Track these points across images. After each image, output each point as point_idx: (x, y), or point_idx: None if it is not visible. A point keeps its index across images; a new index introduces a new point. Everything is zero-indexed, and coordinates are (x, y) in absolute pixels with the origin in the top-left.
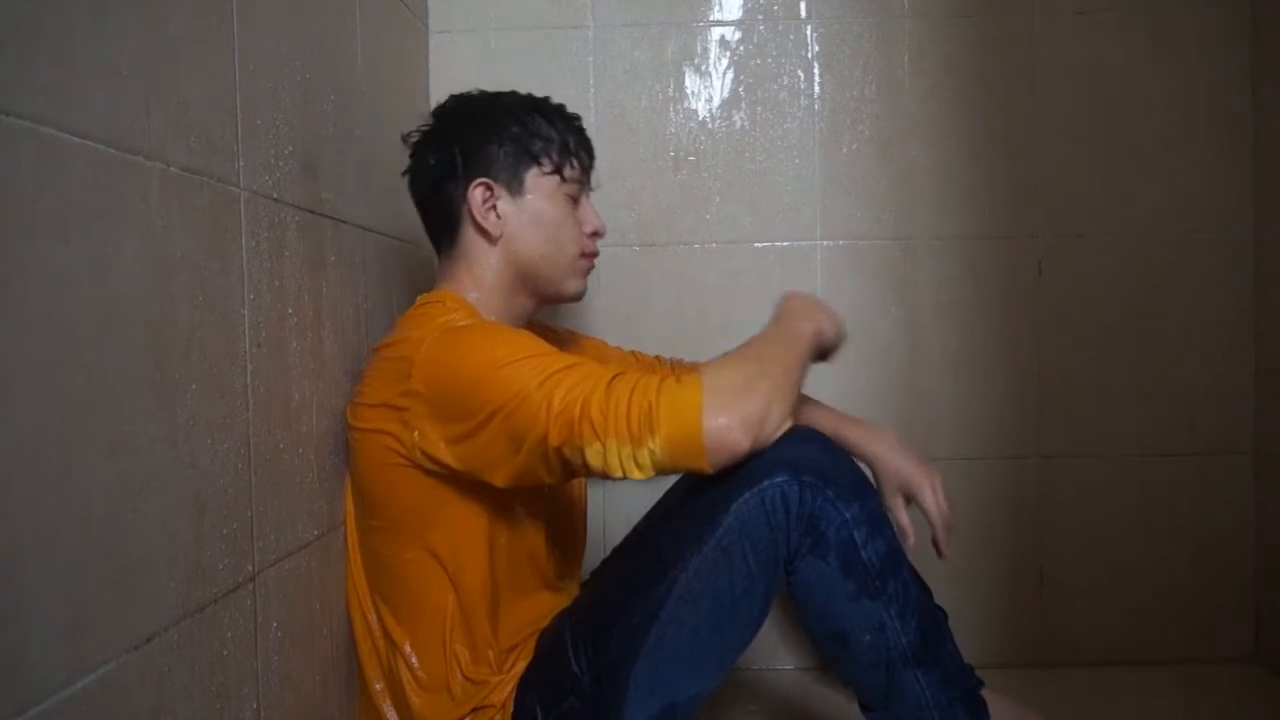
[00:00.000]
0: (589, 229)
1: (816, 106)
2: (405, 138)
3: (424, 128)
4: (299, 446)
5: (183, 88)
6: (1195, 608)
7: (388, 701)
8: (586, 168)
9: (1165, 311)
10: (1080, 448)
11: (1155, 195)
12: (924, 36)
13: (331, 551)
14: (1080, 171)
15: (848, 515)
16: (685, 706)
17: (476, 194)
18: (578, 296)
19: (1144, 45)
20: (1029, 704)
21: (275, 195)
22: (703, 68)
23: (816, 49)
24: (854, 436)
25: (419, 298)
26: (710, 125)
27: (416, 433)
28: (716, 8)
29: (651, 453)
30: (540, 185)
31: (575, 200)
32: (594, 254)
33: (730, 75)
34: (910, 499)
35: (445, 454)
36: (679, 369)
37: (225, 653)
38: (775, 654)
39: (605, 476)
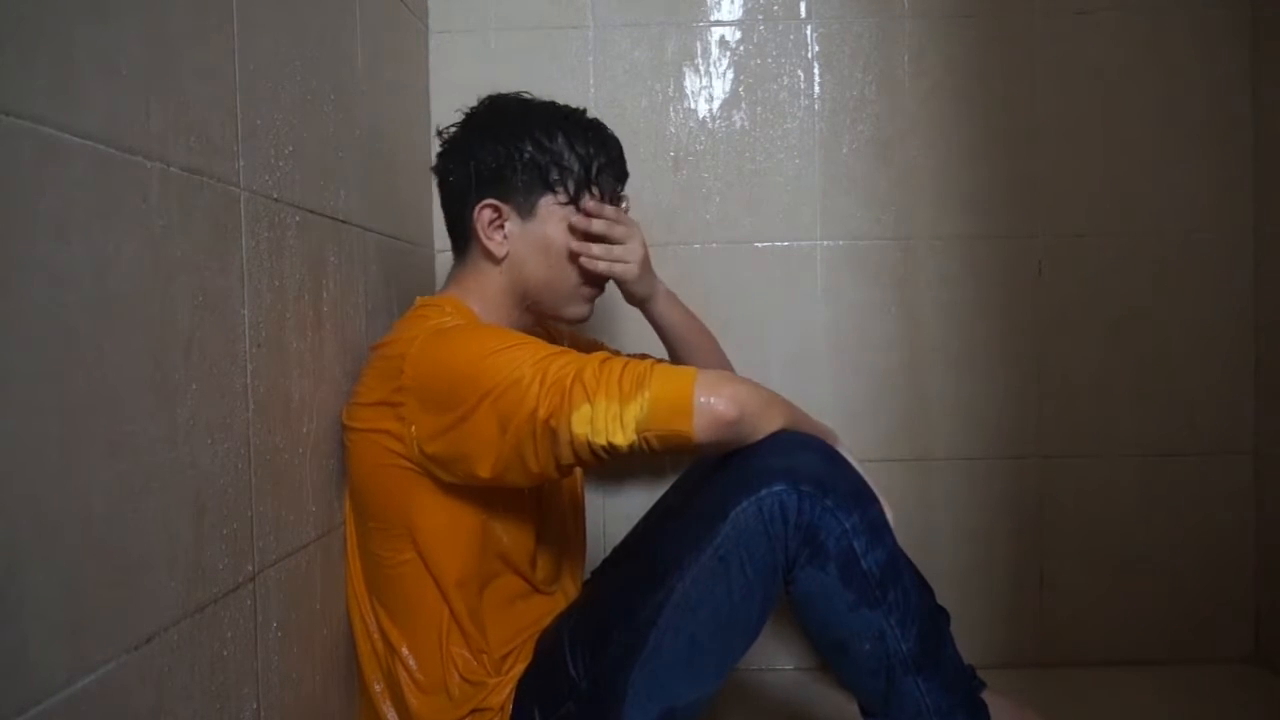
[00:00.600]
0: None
1: (816, 106)
2: (440, 133)
3: (453, 130)
4: (299, 446)
5: (183, 88)
6: (1195, 608)
7: (387, 702)
8: (609, 193)
9: (1165, 311)
10: (1080, 448)
11: (1155, 195)
12: (924, 36)
13: (331, 551)
14: (1080, 171)
15: (847, 525)
16: (684, 712)
17: (484, 214)
18: (580, 320)
19: (1144, 45)
20: (1030, 705)
21: (275, 195)
22: (703, 68)
23: (816, 49)
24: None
25: (418, 299)
26: (710, 125)
27: (413, 427)
28: (716, 8)
29: (639, 408)
30: (553, 212)
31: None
32: (602, 279)
33: (730, 75)
34: None
35: (437, 446)
36: None
37: (225, 653)
38: (775, 654)
39: (586, 456)
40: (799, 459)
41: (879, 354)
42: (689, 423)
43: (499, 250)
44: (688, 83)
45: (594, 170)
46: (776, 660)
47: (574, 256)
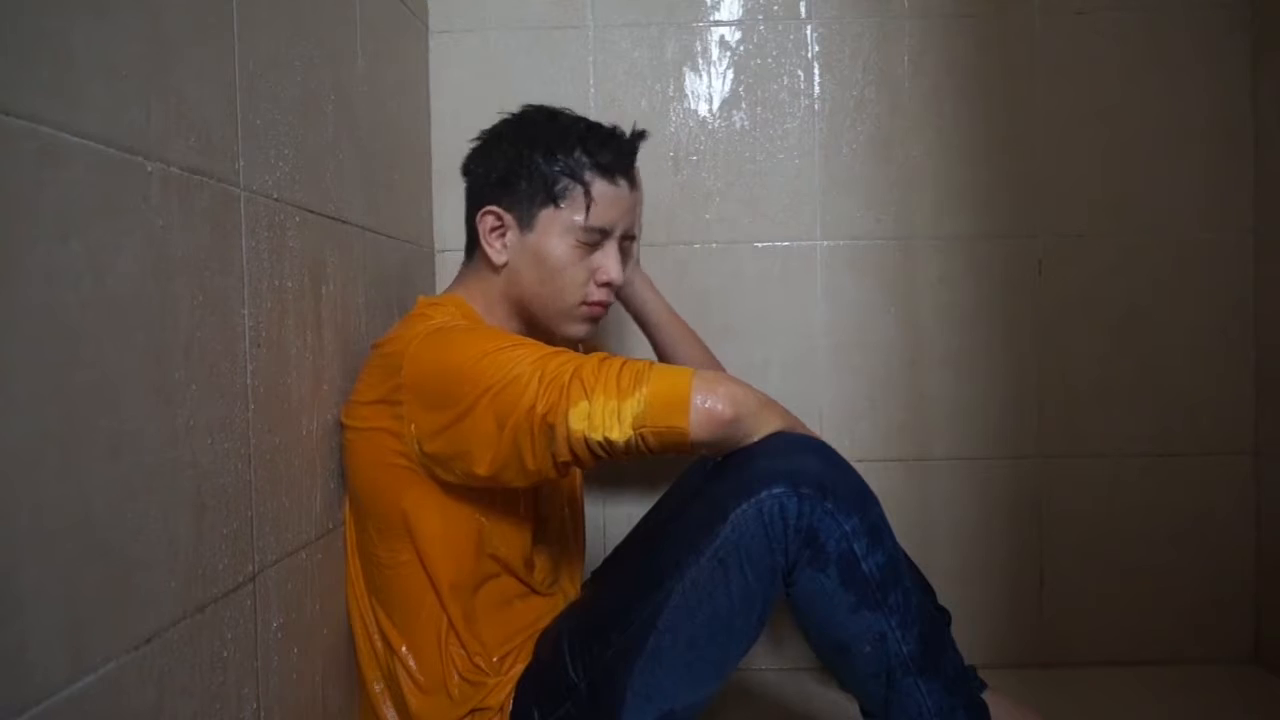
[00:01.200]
0: (602, 278)
1: (816, 106)
2: (480, 136)
3: (485, 135)
4: (299, 446)
5: (183, 88)
6: (1195, 608)
7: (387, 702)
8: (620, 191)
9: (1165, 311)
10: (1080, 448)
11: (1155, 195)
12: (924, 36)
13: (331, 551)
14: (1080, 171)
15: (848, 528)
16: (683, 714)
17: (486, 221)
18: (578, 339)
19: (1144, 45)
20: (1031, 705)
21: (275, 195)
22: (703, 68)
23: (816, 49)
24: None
25: (420, 299)
26: (710, 125)
27: (413, 425)
28: (716, 8)
29: (637, 404)
30: (553, 226)
31: (594, 246)
32: (602, 303)
33: (730, 75)
34: None
35: (436, 444)
36: None
37: (225, 653)
38: (775, 654)
39: (583, 453)
40: (799, 461)
41: (879, 354)
42: (685, 419)
43: (498, 258)
44: (688, 83)
45: (611, 192)
46: (776, 660)
47: (572, 268)
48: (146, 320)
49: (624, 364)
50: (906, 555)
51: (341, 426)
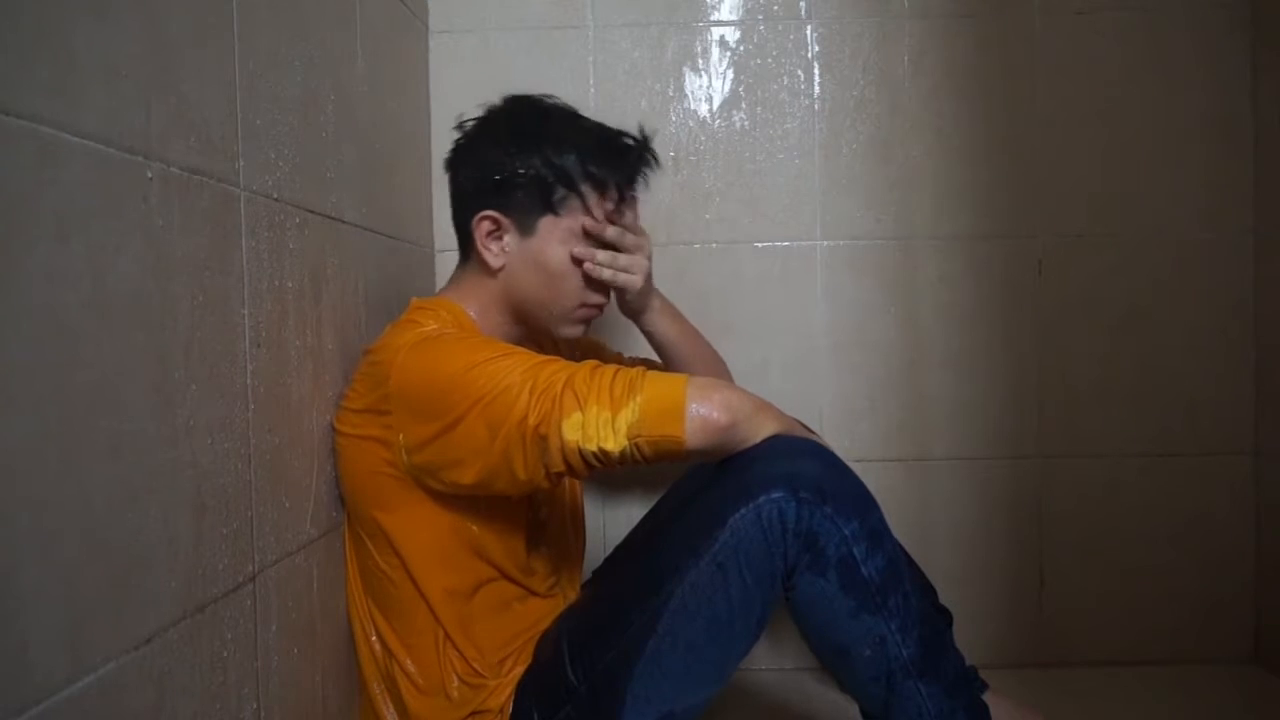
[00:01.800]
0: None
1: (816, 106)
2: (459, 126)
3: (470, 125)
4: (299, 446)
5: (183, 88)
6: (1195, 608)
7: (387, 703)
8: (623, 203)
9: (1165, 311)
10: (1080, 448)
11: (1155, 195)
12: (924, 36)
13: (331, 551)
14: (1080, 171)
15: (847, 532)
16: (682, 716)
17: (483, 225)
18: (572, 339)
19: (1144, 45)
20: (1031, 706)
21: (275, 195)
22: (703, 68)
23: (816, 49)
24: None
25: (413, 301)
26: (710, 125)
27: (401, 434)
28: (716, 8)
29: (632, 413)
30: (553, 232)
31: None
32: (599, 305)
33: (730, 75)
34: None
35: (425, 454)
36: None
37: (225, 653)
38: (775, 654)
39: (577, 463)
40: (798, 465)
41: (879, 354)
42: (680, 427)
43: (495, 262)
44: (688, 83)
45: (608, 191)
46: (776, 660)
47: (571, 274)
48: (146, 320)
49: (617, 373)
50: (907, 554)
51: (334, 431)
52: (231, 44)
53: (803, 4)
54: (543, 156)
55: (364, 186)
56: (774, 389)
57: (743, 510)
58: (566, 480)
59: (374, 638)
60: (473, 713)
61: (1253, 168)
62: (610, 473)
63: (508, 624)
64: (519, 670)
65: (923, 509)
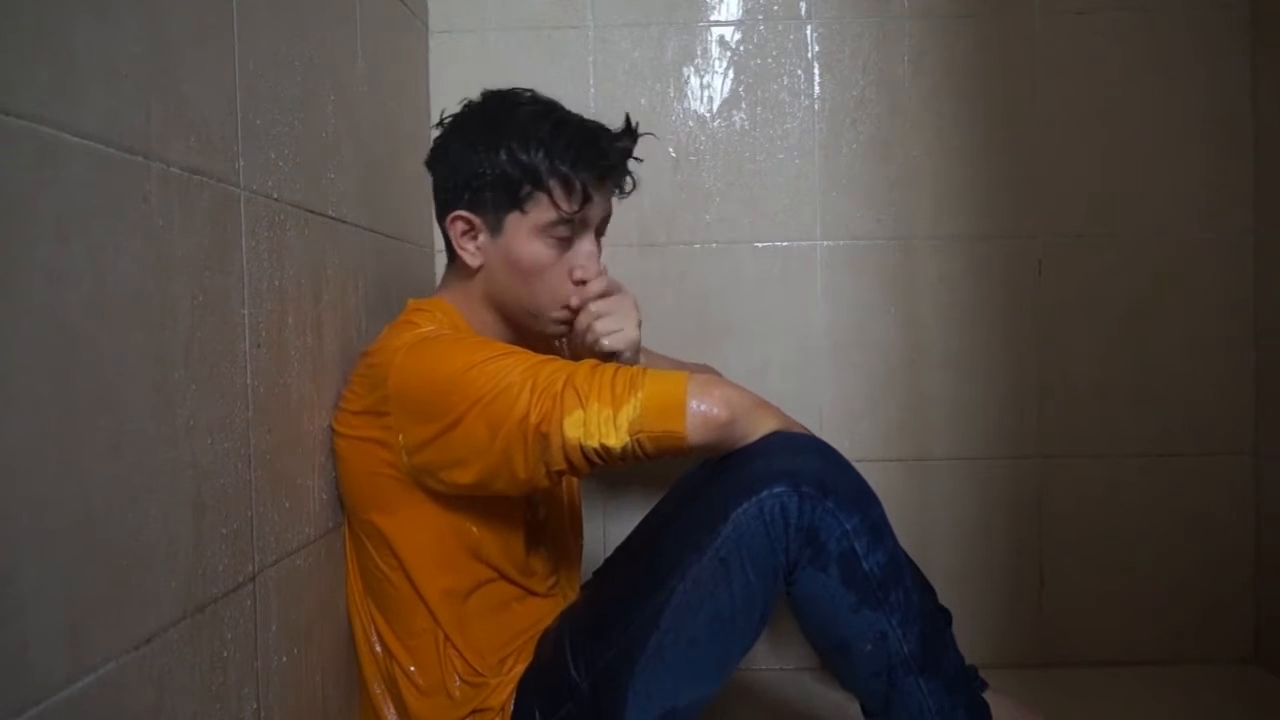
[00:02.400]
0: (578, 275)
1: (816, 106)
2: (440, 122)
3: (446, 124)
4: (299, 446)
5: (183, 88)
6: (1195, 608)
7: (388, 703)
8: (590, 203)
9: (1165, 311)
10: (1080, 448)
11: (1155, 195)
12: (924, 36)
13: (331, 552)
14: (1080, 172)
15: (848, 526)
16: (684, 713)
17: (456, 226)
18: (560, 336)
19: (1144, 45)
20: (1032, 706)
21: (275, 195)
22: (703, 68)
23: (816, 49)
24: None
25: (409, 302)
26: (710, 125)
27: (401, 435)
28: (716, 8)
29: (633, 409)
30: (519, 230)
31: (567, 242)
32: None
33: (730, 75)
34: None
35: (425, 454)
36: None
37: (225, 653)
38: (775, 654)
39: (578, 461)
40: (800, 461)
41: (879, 354)
42: (682, 423)
43: (473, 262)
44: (688, 83)
45: (578, 182)
46: (777, 660)
47: (545, 270)
48: (146, 320)
49: (617, 371)
50: (907, 555)
51: (333, 432)
52: (231, 44)
53: (803, 4)
54: (509, 153)
55: (364, 186)
56: (774, 389)
57: (745, 505)
58: (565, 480)
59: (374, 638)
60: (474, 711)
61: (1253, 168)
62: (610, 470)
63: (507, 624)
64: (520, 668)
65: (923, 509)
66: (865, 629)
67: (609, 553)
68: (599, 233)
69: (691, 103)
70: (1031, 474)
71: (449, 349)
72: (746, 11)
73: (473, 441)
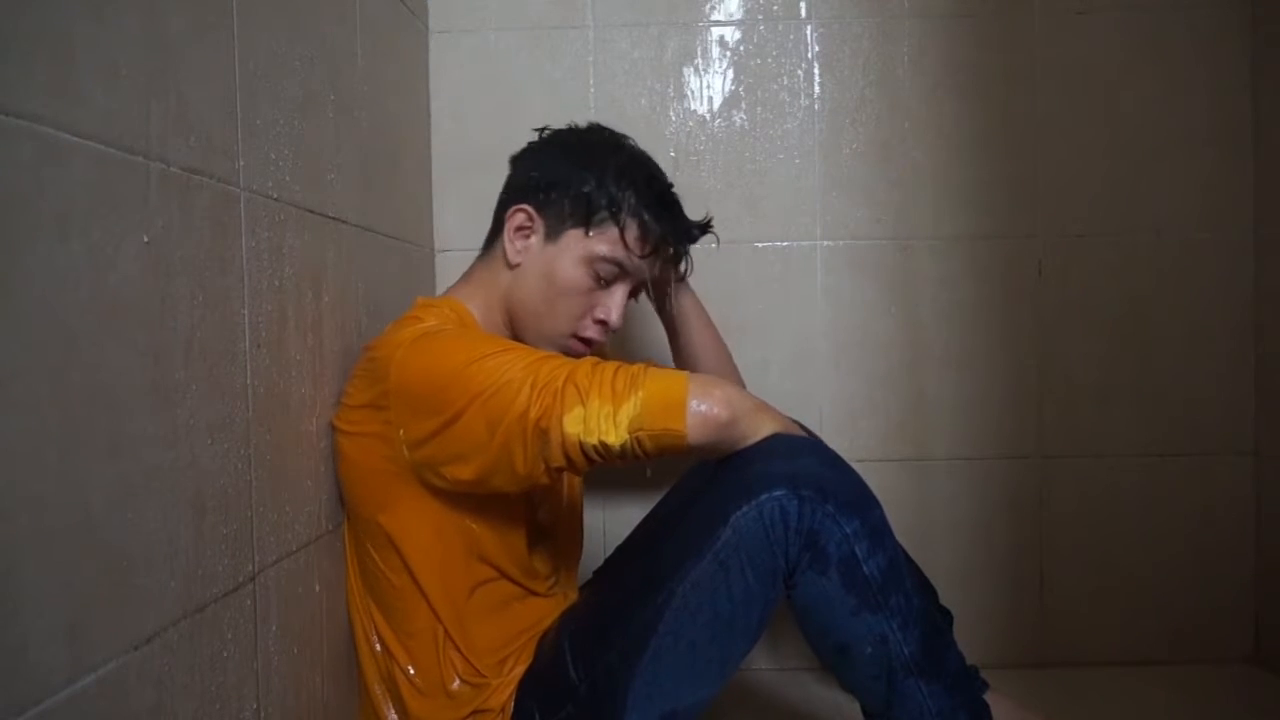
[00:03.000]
0: (598, 314)
1: (816, 106)
2: (541, 129)
3: (547, 133)
4: (299, 446)
5: (182, 87)
6: (1195, 608)
7: (388, 703)
8: (647, 260)
9: (1165, 311)
10: (1080, 448)
11: (1155, 195)
12: (924, 36)
13: (331, 552)
14: (1080, 171)
15: (848, 530)
16: (684, 715)
17: (517, 217)
18: None
19: (1144, 45)
20: (1033, 706)
21: (275, 195)
22: (703, 68)
23: (816, 49)
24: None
25: (418, 299)
26: (710, 125)
27: (401, 430)
28: (716, 8)
29: (633, 407)
30: (575, 248)
31: (607, 282)
32: (590, 341)
33: (730, 75)
34: None
35: (425, 449)
36: None
37: (225, 653)
38: (775, 654)
39: (577, 457)
40: (800, 464)
41: (879, 354)
42: (682, 422)
43: (514, 257)
44: (688, 83)
45: (651, 235)
46: (776, 660)
47: (573, 296)
48: (146, 320)
49: (618, 368)
50: (908, 555)
51: (333, 429)
52: (231, 44)
53: (803, 4)
54: (599, 179)
55: (364, 186)
56: (774, 389)
57: (744, 508)
58: (566, 480)
59: (374, 638)
60: (474, 712)
61: (1253, 168)
62: (609, 469)
63: (508, 623)
64: (520, 670)
65: (923, 509)
66: (865, 632)
67: (609, 553)
68: (634, 293)
69: (691, 103)
70: (1031, 474)
71: (451, 344)
72: (746, 11)
73: (472, 437)
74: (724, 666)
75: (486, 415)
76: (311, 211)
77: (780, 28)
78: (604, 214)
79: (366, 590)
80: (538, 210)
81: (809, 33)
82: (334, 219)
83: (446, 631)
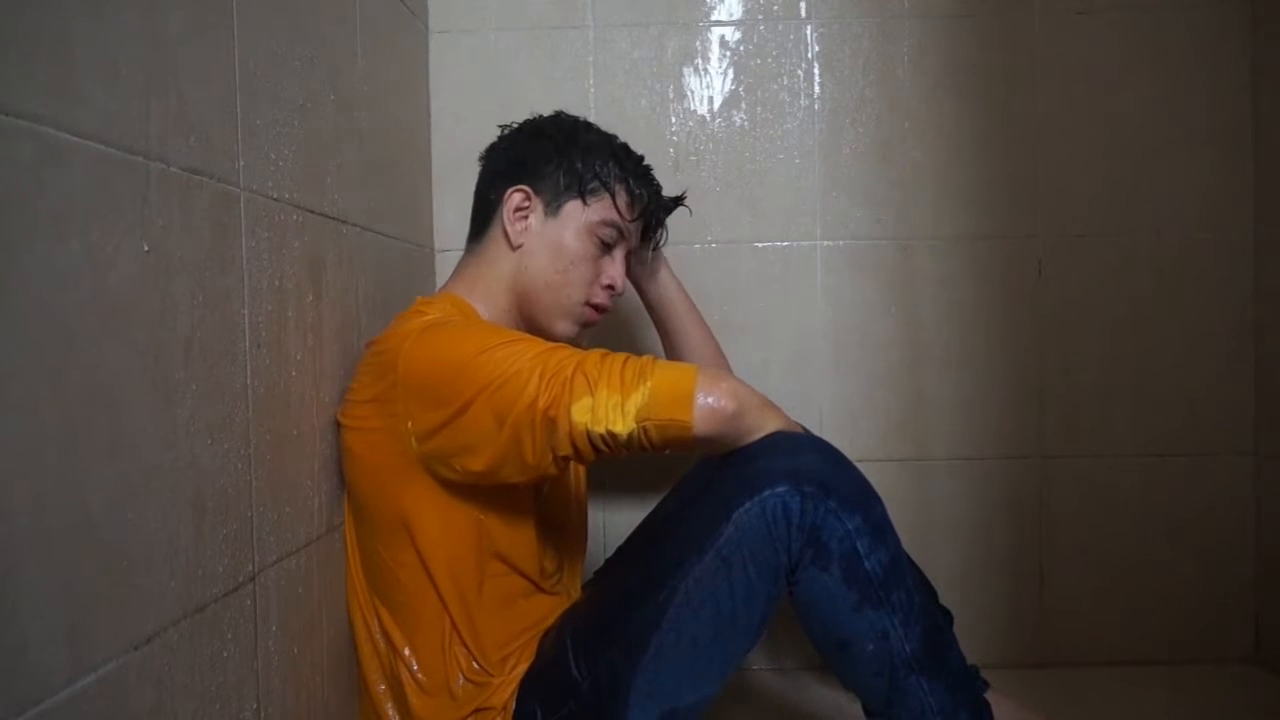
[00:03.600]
0: (605, 280)
1: (816, 106)
2: (503, 127)
3: (519, 125)
4: (299, 446)
5: (182, 87)
6: (1195, 608)
7: (389, 702)
8: (634, 225)
9: (1165, 311)
10: (1080, 448)
11: (1155, 195)
12: (924, 36)
13: (332, 551)
14: (1080, 171)
15: (850, 526)
16: (685, 712)
17: (514, 199)
18: (565, 339)
19: (1144, 45)
20: (1033, 706)
21: (275, 195)
22: (703, 68)
23: (816, 49)
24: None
25: (417, 299)
26: (710, 125)
27: (409, 422)
28: (716, 8)
29: (641, 396)
30: (576, 218)
31: (608, 248)
32: (601, 307)
33: (730, 75)
34: None
35: (434, 441)
36: None
37: (225, 653)
38: (775, 654)
39: (584, 447)
40: (802, 460)
41: (879, 354)
42: (689, 413)
43: (516, 238)
44: (688, 83)
45: (637, 203)
46: (777, 660)
47: (584, 263)
48: (146, 320)
49: (627, 359)
50: (908, 556)
51: (339, 425)
52: (231, 43)
53: (803, 4)
54: (584, 154)
55: (364, 186)
56: (774, 389)
57: (747, 504)
58: (573, 476)
59: (378, 635)
60: (476, 710)
61: (1253, 168)
62: (615, 460)
63: (513, 619)
64: (522, 668)
65: (923, 509)
66: (867, 628)
67: (609, 553)
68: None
69: (691, 103)
70: (1031, 474)
71: (458, 335)
72: (746, 11)
73: (481, 427)
74: (725, 664)
75: (495, 406)
76: (311, 211)
77: (780, 28)
78: (596, 183)
79: (372, 587)
80: (534, 188)
81: (809, 33)
82: (334, 219)
83: (455, 628)
